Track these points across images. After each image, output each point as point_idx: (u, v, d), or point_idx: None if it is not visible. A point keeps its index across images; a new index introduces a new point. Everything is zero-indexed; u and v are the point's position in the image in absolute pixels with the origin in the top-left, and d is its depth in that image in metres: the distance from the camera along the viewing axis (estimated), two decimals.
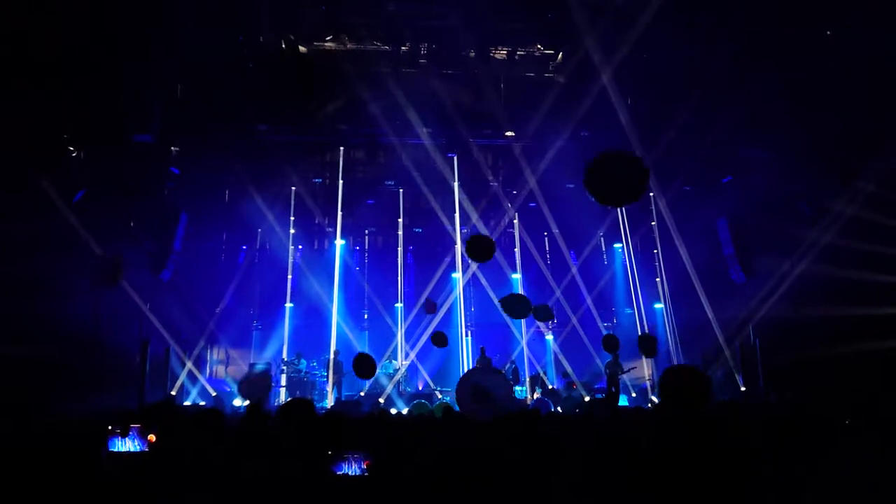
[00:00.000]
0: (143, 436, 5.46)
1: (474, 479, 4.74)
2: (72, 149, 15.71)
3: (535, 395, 18.14)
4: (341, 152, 20.05)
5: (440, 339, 15.78)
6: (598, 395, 17.19)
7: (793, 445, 6.52)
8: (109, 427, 5.45)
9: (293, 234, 20.16)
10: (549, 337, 20.64)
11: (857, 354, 14.55)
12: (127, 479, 5.07)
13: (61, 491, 4.81)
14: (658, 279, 20.52)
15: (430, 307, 17.56)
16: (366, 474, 4.63)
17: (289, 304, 19.65)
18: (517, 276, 20.81)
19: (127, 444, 5.44)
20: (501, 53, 18.22)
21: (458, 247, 20.12)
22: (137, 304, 15.97)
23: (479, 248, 12.20)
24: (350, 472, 4.64)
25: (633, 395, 18.71)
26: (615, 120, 17.10)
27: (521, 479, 4.80)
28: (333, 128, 18.93)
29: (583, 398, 17.01)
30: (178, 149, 17.58)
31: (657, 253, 20.47)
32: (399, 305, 20.59)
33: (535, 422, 7.78)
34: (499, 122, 18.68)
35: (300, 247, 20.60)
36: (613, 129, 17.48)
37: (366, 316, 21.01)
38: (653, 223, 20.48)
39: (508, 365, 18.42)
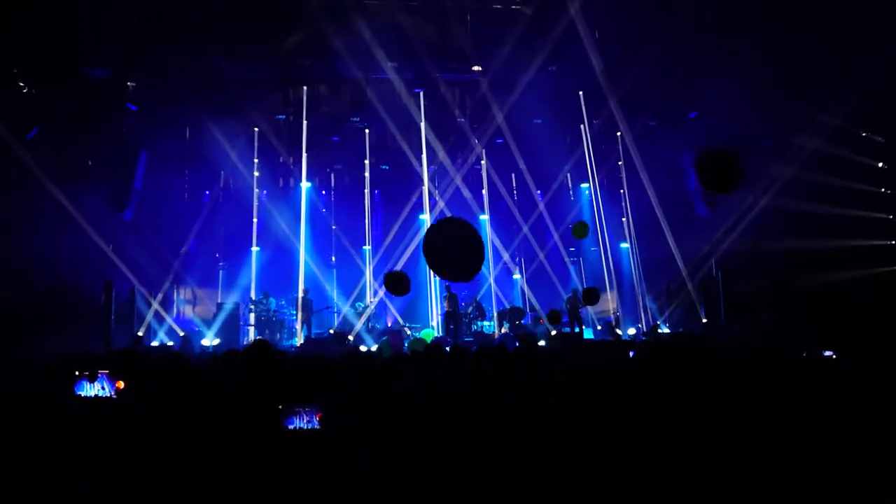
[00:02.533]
0: (112, 380, 5.40)
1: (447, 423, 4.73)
2: (22, 84, 15.11)
3: (503, 330, 18.42)
4: (305, 88, 19.57)
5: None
6: (566, 329, 17.50)
7: (753, 376, 6.70)
8: (77, 372, 5.38)
9: (258, 176, 19.80)
10: (517, 276, 20.84)
11: (816, 286, 14.99)
12: (94, 422, 5.04)
13: (29, 432, 4.78)
14: (624, 219, 20.73)
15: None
16: (318, 428, 4.56)
17: (255, 248, 19.46)
18: (485, 217, 20.82)
19: (95, 388, 5.39)
20: None
21: (426, 186, 20.01)
22: (99, 245, 15.68)
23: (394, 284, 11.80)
24: (302, 427, 4.57)
25: (599, 327, 19.10)
26: (583, 54, 16.96)
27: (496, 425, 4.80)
28: (295, 62, 18.44)
29: (548, 331, 17.30)
30: (134, 84, 17.01)
31: (623, 193, 20.63)
32: (367, 248, 20.52)
33: (504, 358, 7.90)
34: (466, 56, 18.36)
35: (265, 191, 20.27)
36: (581, 63, 17.36)
37: (333, 259, 20.93)
38: (619, 163, 20.56)
39: (473, 303, 18.58)
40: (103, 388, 5.38)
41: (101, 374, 5.40)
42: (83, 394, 5.38)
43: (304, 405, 4.61)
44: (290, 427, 4.58)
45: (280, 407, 4.62)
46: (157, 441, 4.64)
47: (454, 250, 8.49)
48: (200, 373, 6.10)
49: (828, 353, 8.36)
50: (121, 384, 5.39)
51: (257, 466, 4.32)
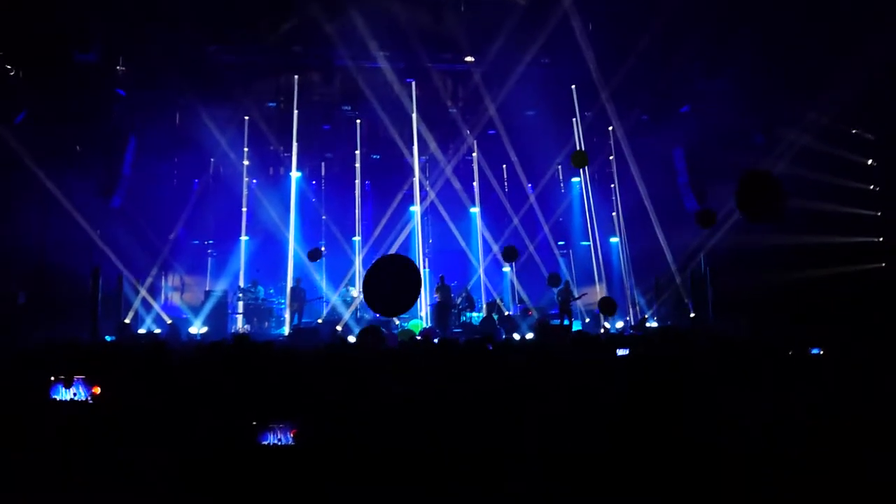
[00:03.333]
0: (88, 385, 5.38)
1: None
2: (10, 68, 14.93)
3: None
4: (296, 75, 19.43)
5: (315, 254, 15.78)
6: (554, 322, 17.53)
7: (738, 372, 6.70)
8: (52, 377, 5.35)
9: (247, 165, 19.68)
10: (507, 269, 20.84)
11: (804, 282, 15.07)
12: (68, 427, 5.01)
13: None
14: (614, 213, 20.73)
15: (315, 255, 17.11)
16: (292, 444, 4.52)
17: (244, 238, 19.37)
18: (476, 210, 20.77)
19: (70, 393, 5.36)
20: None
21: (417, 177, 19.96)
22: (86, 231, 15.56)
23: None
24: (277, 443, 4.53)
25: (587, 320, 19.15)
26: (576, 46, 16.92)
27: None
28: (287, 49, 18.29)
29: (537, 323, 17.32)
30: (123, 69, 16.83)
31: (614, 188, 20.63)
32: (357, 239, 20.45)
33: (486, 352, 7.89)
34: (459, 46, 18.27)
35: (255, 181, 20.15)
36: (574, 56, 17.32)
37: (323, 249, 20.84)
38: (610, 157, 20.53)
39: (462, 293, 18.57)
40: (78, 393, 5.34)
41: (77, 378, 5.36)
42: (58, 398, 5.34)
43: (278, 421, 4.56)
44: (265, 443, 4.52)
45: (254, 423, 4.57)
46: (131, 448, 4.61)
47: (391, 285, 8.91)
48: (181, 371, 6.04)
49: (815, 351, 8.28)
50: (97, 389, 5.36)
51: (230, 483, 4.30)
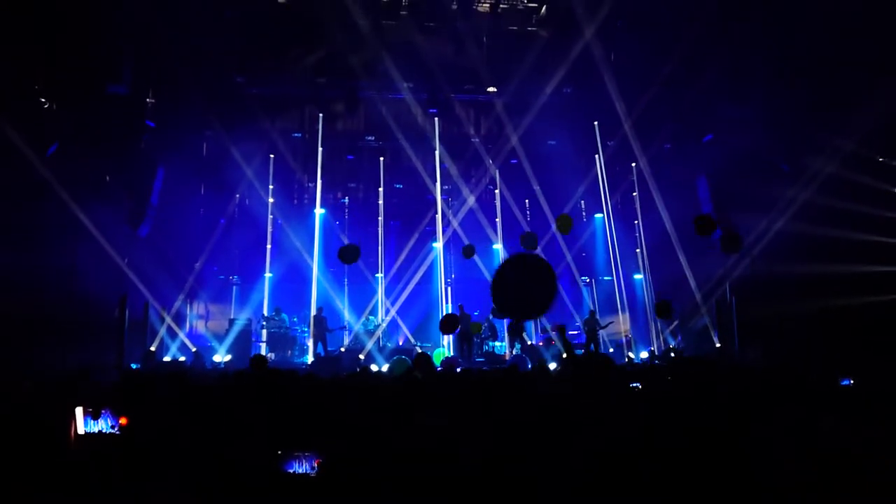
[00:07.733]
0: (115, 416, 5.42)
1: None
2: (43, 100, 15.32)
3: (514, 352, 18.32)
4: (321, 106, 19.69)
5: None
6: (578, 352, 17.35)
7: (766, 404, 6.53)
8: (80, 408, 5.40)
9: (272, 197, 19.83)
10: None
11: (830, 311, 14.81)
12: (97, 458, 5.03)
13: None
14: (638, 250, 20.53)
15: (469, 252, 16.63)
16: (315, 473, 4.49)
17: (268, 274, 19.46)
18: (498, 247, 20.64)
19: (99, 425, 5.39)
20: (485, 6, 17.97)
21: (439, 210, 19.99)
22: (114, 260, 15.78)
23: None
24: (300, 471, 4.51)
25: (611, 350, 18.97)
26: (598, 76, 17.04)
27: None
28: (312, 81, 18.62)
29: (560, 353, 17.17)
30: (153, 101, 17.21)
31: (637, 224, 20.47)
32: (380, 275, 20.42)
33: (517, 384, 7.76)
34: (481, 77, 18.49)
35: (279, 215, 20.23)
36: (596, 85, 17.44)
37: (346, 283, 20.84)
38: (634, 194, 20.40)
39: (484, 322, 18.49)
40: (106, 425, 5.36)
41: (105, 410, 5.39)
42: (87, 430, 5.35)
43: (302, 450, 4.54)
44: (289, 471, 4.50)
45: (279, 452, 4.56)
46: (158, 477, 4.61)
47: (523, 286, 8.23)
48: (205, 402, 6.04)
49: (846, 382, 7.95)
50: (124, 420, 5.38)
51: None
